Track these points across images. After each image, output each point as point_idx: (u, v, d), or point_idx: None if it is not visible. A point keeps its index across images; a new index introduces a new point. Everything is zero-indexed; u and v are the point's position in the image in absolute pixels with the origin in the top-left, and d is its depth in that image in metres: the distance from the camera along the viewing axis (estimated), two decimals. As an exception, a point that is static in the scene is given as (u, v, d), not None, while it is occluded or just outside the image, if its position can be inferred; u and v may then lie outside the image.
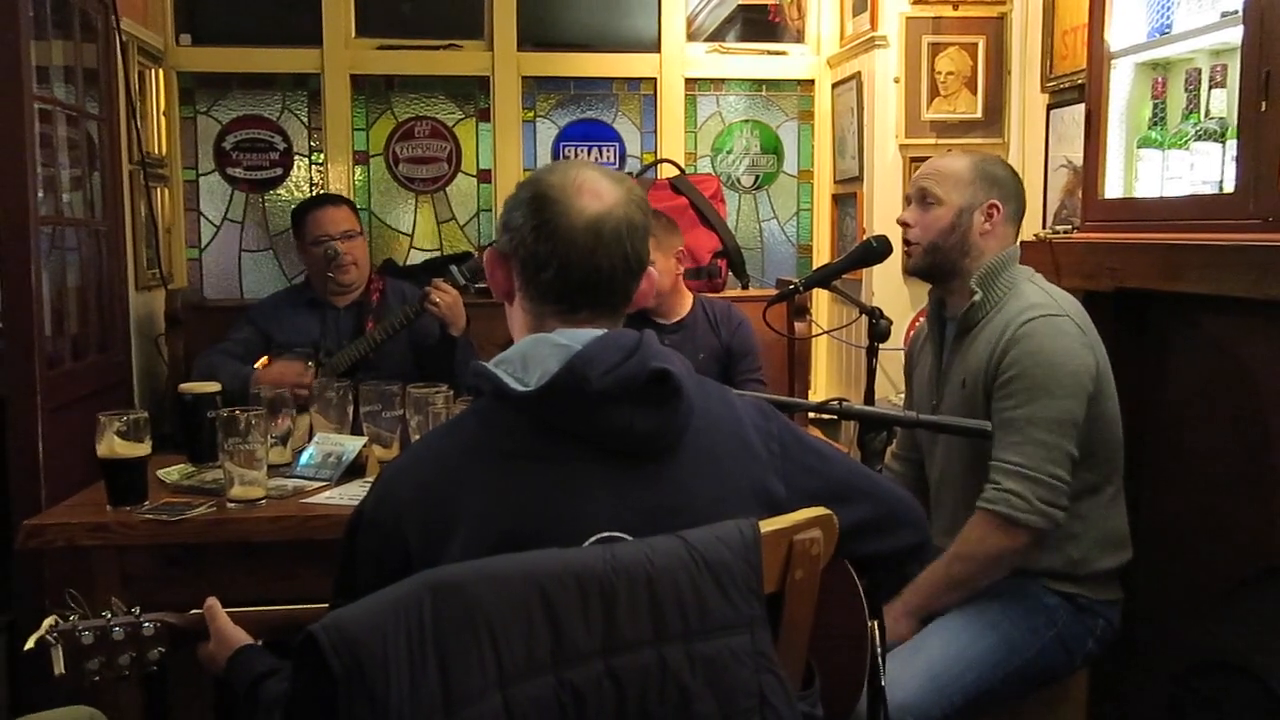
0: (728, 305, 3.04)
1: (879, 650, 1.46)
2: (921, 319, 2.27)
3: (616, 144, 3.88)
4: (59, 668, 1.36)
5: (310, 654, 1.00)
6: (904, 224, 2.10)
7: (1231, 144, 2.11)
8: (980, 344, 1.99)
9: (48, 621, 1.38)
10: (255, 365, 2.88)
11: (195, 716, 2.35)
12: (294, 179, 3.77)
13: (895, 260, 2.29)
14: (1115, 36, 2.45)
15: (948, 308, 2.11)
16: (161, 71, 3.54)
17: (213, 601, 1.44)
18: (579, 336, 1.18)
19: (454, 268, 2.86)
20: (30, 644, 1.37)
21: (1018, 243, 2.09)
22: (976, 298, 2.01)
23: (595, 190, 1.21)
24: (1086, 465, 1.94)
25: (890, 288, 3.26)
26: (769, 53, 3.87)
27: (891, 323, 2.17)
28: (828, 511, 1.24)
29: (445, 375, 2.71)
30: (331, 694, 0.99)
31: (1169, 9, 2.35)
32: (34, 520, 2.01)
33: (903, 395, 2.44)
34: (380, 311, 3.01)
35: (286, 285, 3.59)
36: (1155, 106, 2.36)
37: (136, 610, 1.42)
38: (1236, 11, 2.06)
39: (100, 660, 1.38)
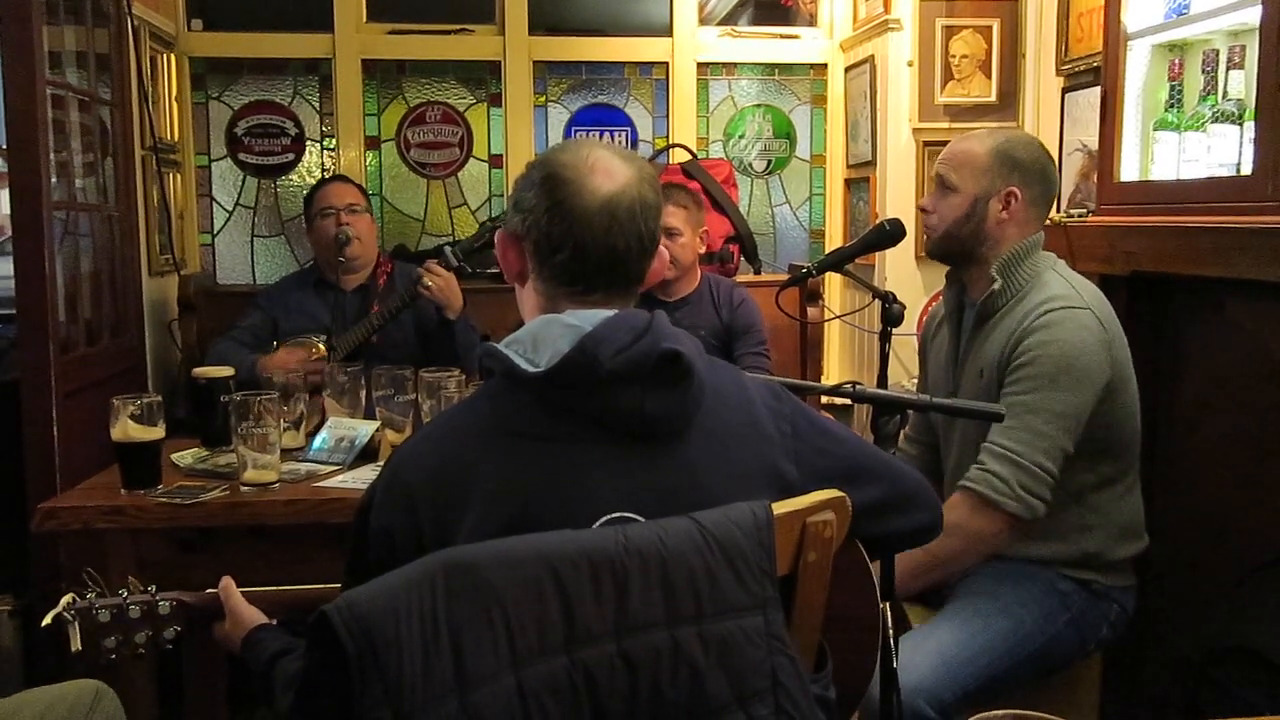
0: (732, 285, 3.07)
1: (891, 633, 1.46)
2: (936, 301, 2.25)
3: (628, 128, 3.87)
4: (75, 645, 1.37)
5: (323, 634, 1.00)
6: (922, 210, 2.08)
7: (1249, 126, 2.09)
8: (999, 333, 1.96)
9: (65, 599, 1.39)
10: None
11: (210, 696, 2.37)
12: (306, 164, 3.77)
13: (908, 244, 2.28)
14: (1132, 18, 2.42)
15: (968, 293, 2.08)
16: (173, 57, 3.54)
17: (227, 581, 1.44)
18: (590, 317, 1.17)
19: (446, 248, 2.85)
20: (47, 620, 1.39)
21: (1042, 229, 2.02)
22: (996, 286, 1.96)
23: (608, 169, 1.20)
24: (1103, 458, 1.93)
25: (904, 272, 3.25)
26: (781, 36, 3.85)
27: (905, 307, 2.15)
28: (840, 493, 1.24)
29: (450, 359, 2.71)
30: (345, 674, 0.99)
31: (1186, -10, 2.33)
32: (49, 503, 2.02)
33: (915, 380, 2.43)
34: (386, 295, 3.01)
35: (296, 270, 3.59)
36: (1172, 88, 2.34)
37: (153, 589, 1.43)
38: (1255, -9, 2.03)
39: (117, 638, 1.39)
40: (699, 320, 2.94)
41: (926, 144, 3.27)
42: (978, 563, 1.93)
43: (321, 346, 2.81)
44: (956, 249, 2.03)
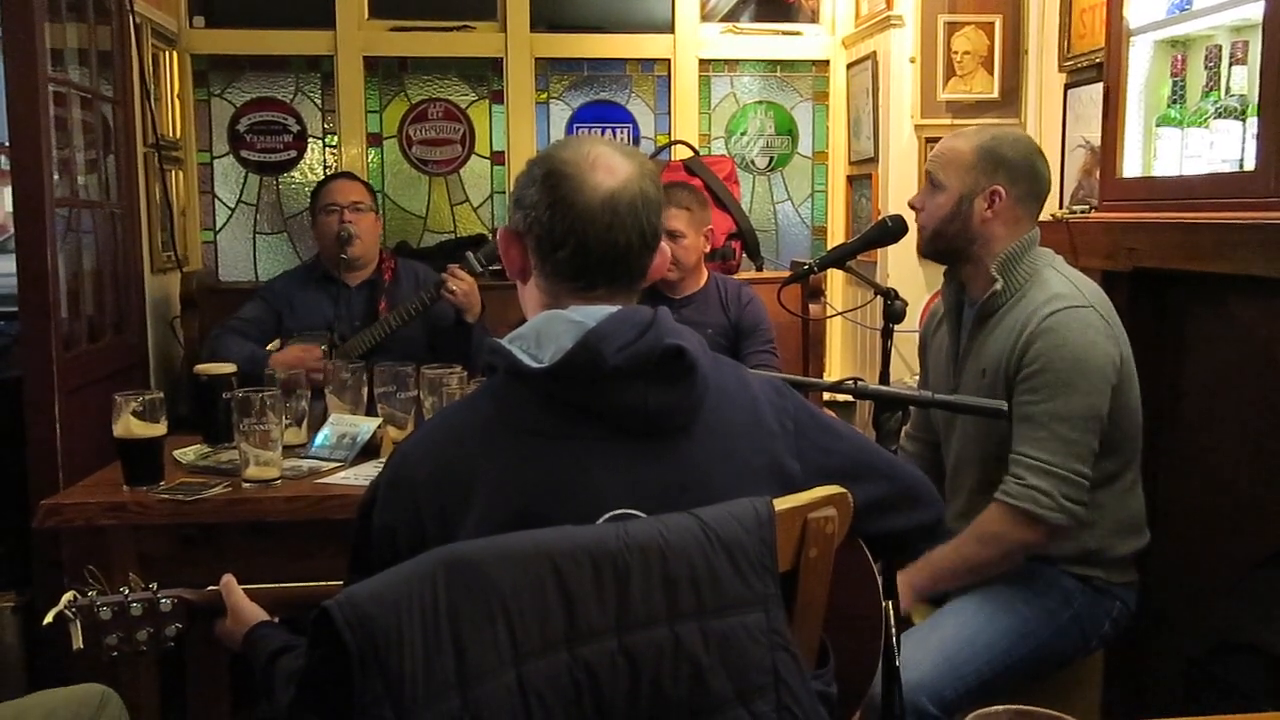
0: (740, 284, 3.07)
1: (893, 630, 1.46)
2: (938, 298, 2.25)
3: (630, 126, 3.87)
4: (77, 642, 1.37)
5: (325, 630, 1.00)
6: (912, 207, 2.08)
7: (1252, 121, 2.09)
8: (1001, 334, 1.95)
9: (66, 596, 1.39)
10: (268, 348, 2.89)
11: (212, 694, 2.37)
12: (308, 161, 3.78)
13: (910, 241, 2.26)
14: (1134, 13, 2.42)
15: (966, 292, 2.08)
16: (175, 54, 3.54)
17: (229, 578, 1.44)
18: (593, 313, 1.17)
19: (470, 254, 2.84)
20: (49, 618, 1.38)
21: (1036, 225, 2.01)
22: (997, 286, 1.96)
23: (609, 165, 1.20)
24: (1105, 455, 1.92)
25: (906, 269, 3.24)
26: (783, 33, 3.85)
27: (907, 304, 2.14)
28: (842, 490, 1.24)
29: (460, 360, 2.71)
30: (346, 669, 0.99)
31: (1189, -15, 2.32)
32: (51, 500, 2.02)
33: (917, 377, 2.42)
34: (393, 291, 3.01)
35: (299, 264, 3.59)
36: (1174, 84, 2.33)
37: (154, 587, 1.43)
38: (1258, -13, 2.03)
39: (118, 636, 1.39)
40: (706, 318, 2.95)
41: (929, 140, 3.26)
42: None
43: (325, 346, 2.81)
44: (945, 248, 2.03)
